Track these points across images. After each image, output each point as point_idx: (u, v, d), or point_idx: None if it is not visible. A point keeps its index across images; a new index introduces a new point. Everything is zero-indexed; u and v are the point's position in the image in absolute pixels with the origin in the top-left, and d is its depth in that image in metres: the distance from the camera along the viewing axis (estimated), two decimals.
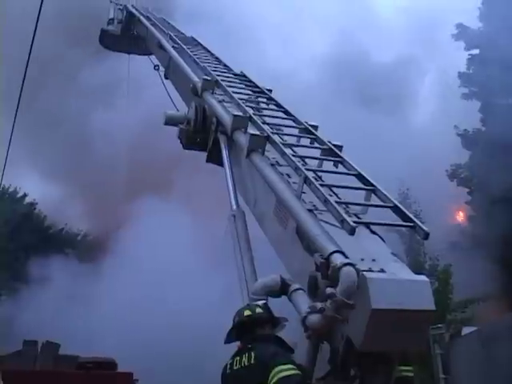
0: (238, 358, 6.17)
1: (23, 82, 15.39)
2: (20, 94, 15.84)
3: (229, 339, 6.61)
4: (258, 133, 9.15)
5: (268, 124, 9.97)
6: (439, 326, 11.87)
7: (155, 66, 17.06)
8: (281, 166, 8.82)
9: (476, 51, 30.36)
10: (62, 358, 9.17)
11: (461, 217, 28.58)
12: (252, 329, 6.40)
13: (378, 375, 7.20)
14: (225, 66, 13.96)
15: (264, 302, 6.98)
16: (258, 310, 6.52)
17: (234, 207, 9.36)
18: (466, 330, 11.99)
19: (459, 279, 23.03)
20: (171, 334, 14.52)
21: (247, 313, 6.50)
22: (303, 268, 7.38)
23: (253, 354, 6.06)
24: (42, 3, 12.38)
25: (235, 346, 6.56)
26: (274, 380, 5.84)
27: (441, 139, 27.21)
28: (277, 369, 5.86)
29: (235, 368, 6.15)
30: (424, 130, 29.04)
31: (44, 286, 19.88)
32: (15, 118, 17.25)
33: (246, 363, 6.05)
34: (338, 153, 8.97)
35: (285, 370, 5.87)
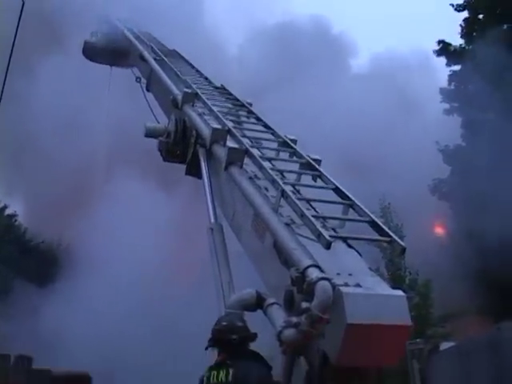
0: (215, 373, 6.09)
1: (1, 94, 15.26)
2: None
3: (209, 345, 6.49)
4: (236, 146, 9.17)
5: (247, 137, 9.98)
6: (417, 340, 11.86)
7: (137, 78, 17.03)
8: (259, 179, 8.81)
9: (457, 67, 30.60)
10: (35, 372, 8.99)
11: (441, 231, 28.68)
12: (233, 342, 6.28)
13: None
14: (205, 79, 14.03)
15: (241, 315, 6.91)
16: (246, 324, 6.44)
17: (213, 220, 9.34)
18: (444, 345, 11.95)
19: (439, 294, 23.06)
20: (146, 346, 14.39)
21: (239, 324, 6.38)
22: (280, 282, 7.35)
23: (231, 372, 5.99)
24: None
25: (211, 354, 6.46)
26: None
27: (424, 154, 27.31)
28: None
29: (212, 382, 6.07)
30: (407, 144, 29.11)
31: (18, 298, 19.62)
32: None
33: (223, 379, 5.98)
34: (317, 166, 8.97)
35: None
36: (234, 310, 6.96)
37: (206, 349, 6.44)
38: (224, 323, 6.39)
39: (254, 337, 6.47)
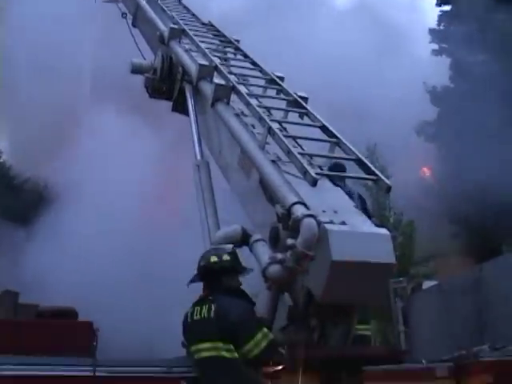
0: (199, 308, 6.08)
1: None
2: None
3: (192, 281, 6.45)
4: (223, 82, 9.08)
5: (234, 74, 9.91)
6: (401, 279, 11.99)
7: (123, 14, 16.70)
8: (246, 116, 8.78)
9: (447, 7, 30.32)
10: (22, 306, 9.05)
11: (426, 173, 28.76)
12: (216, 277, 6.25)
13: (337, 327, 7.28)
14: (193, 15, 13.81)
15: (232, 248, 6.86)
16: (225, 257, 6.27)
17: (199, 157, 9.30)
18: (426, 284, 12.12)
19: (422, 235, 23.24)
20: (131, 282, 14.44)
21: (213, 259, 6.25)
22: (265, 219, 7.38)
23: (213, 307, 5.97)
24: None
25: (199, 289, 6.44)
26: (255, 352, 5.80)
27: (410, 95, 27.15)
28: (255, 339, 5.81)
29: (195, 318, 6.07)
30: (394, 84, 28.94)
31: (2, 236, 19.46)
32: None
33: (206, 315, 5.97)
34: (304, 104, 8.93)
35: (263, 339, 5.84)
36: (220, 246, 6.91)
37: (188, 285, 6.42)
38: (208, 258, 6.35)
39: (242, 270, 6.44)
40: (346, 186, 9.32)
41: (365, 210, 9.48)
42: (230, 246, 6.86)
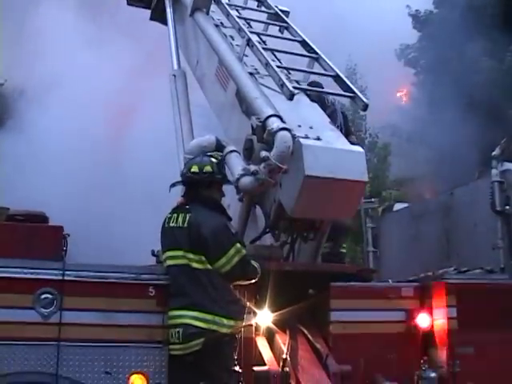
0: (176, 216, 6.06)
1: None
2: None
3: (173, 185, 6.41)
4: None
5: None
6: (372, 200, 12.03)
7: None
8: (225, 27, 8.66)
9: None
10: None
11: (404, 97, 28.72)
12: (195, 187, 6.22)
13: (307, 242, 7.35)
14: None
15: (220, 156, 6.81)
16: (207, 168, 6.15)
17: (176, 67, 9.18)
18: (397, 206, 12.16)
19: (396, 158, 23.35)
20: (103, 188, 14.32)
21: (194, 169, 6.17)
22: (240, 131, 7.36)
23: (187, 218, 5.96)
24: None
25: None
26: (227, 268, 5.81)
27: (393, 17, 26.83)
28: (227, 255, 5.80)
29: (171, 225, 6.06)
30: (377, 7, 28.56)
31: None
32: None
33: (181, 224, 5.97)
34: (285, 18, 8.80)
35: (235, 255, 5.84)
36: (193, 156, 6.83)
37: (170, 189, 6.40)
38: (190, 167, 6.28)
39: (224, 182, 6.40)
40: (333, 104, 9.29)
41: (346, 127, 9.50)
42: (218, 155, 6.84)
